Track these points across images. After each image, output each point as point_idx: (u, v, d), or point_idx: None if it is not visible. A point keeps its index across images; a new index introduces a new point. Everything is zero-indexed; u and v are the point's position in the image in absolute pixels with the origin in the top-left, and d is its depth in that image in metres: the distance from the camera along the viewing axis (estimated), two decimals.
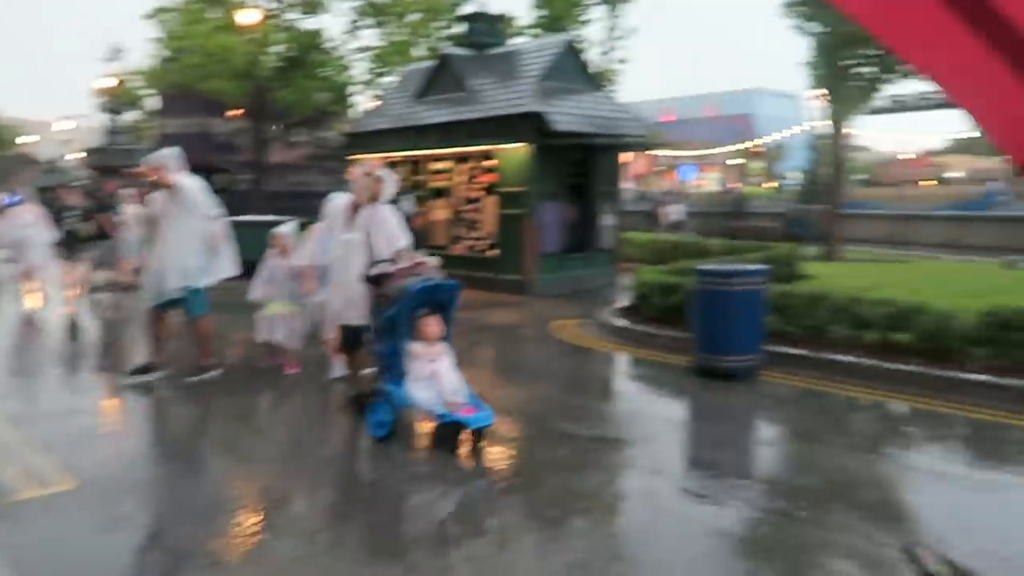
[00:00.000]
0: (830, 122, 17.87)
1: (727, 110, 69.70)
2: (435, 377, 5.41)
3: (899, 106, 55.32)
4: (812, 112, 30.44)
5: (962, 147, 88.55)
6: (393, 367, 5.51)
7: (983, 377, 6.94)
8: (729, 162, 59.23)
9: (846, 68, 20.56)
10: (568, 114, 13.15)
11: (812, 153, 39.10)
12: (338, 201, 6.68)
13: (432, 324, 5.47)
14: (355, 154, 15.57)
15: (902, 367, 7.35)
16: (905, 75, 21.71)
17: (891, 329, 7.74)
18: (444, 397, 5.39)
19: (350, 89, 24.34)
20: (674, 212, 26.84)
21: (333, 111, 25.33)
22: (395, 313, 5.36)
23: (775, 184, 52.89)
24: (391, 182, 6.29)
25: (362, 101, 24.48)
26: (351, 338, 6.28)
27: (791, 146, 55.83)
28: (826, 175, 21.87)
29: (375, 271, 5.68)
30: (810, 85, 18.17)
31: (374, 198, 6.20)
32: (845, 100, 18.71)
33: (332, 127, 26.37)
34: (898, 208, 23.80)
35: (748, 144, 56.46)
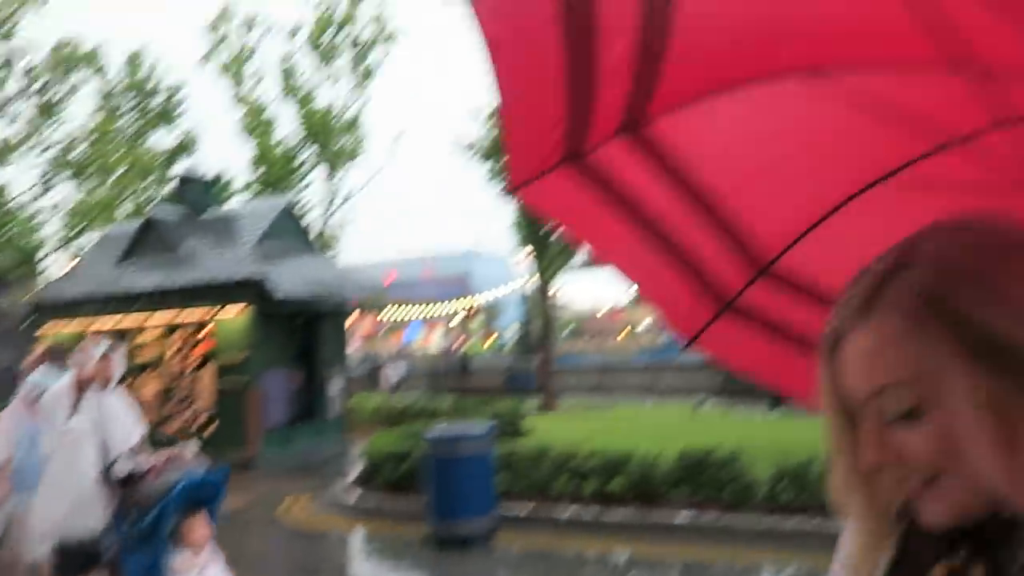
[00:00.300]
0: (537, 280, 19.55)
1: (446, 270, 73.63)
2: None
3: (594, 263, 62.36)
4: (521, 271, 33.33)
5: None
6: None
7: (686, 513, 7.67)
8: (451, 322, 61.94)
9: (546, 229, 23.06)
10: (289, 279, 13.01)
11: (524, 310, 42.29)
12: (58, 386, 5.78)
13: (200, 526, 4.71)
14: (45, 325, 13.87)
15: (618, 515, 7.89)
16: None
17: (606, 478, 8.33)
18: None
19: (40, 251, 22.01)
20: (394, 373, 27.00)
21: (17, 276, 22.59)
22: (156, 519, 4.57)
23: (493, 340, 56.06)
24: (121, 360, 5.60)
25: (55, 265, 22.21)
26: (76, 558, 5.19)
27: (506, 303, 60.08)
28: (537, 330, 23.72)
29: (122, 469, 4.89)
30: (518, 245, 19.88)
31: (105, 380, 5.43)
32: (547, 259, 20.76)
33: (15, 294, 23.40)
34: (601, 359, 26.41)
35: (467, 302, 59.75)
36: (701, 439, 8.82)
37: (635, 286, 1.49)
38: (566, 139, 1.15)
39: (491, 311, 62.06)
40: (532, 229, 19.19)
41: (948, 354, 0.69)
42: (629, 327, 55.25)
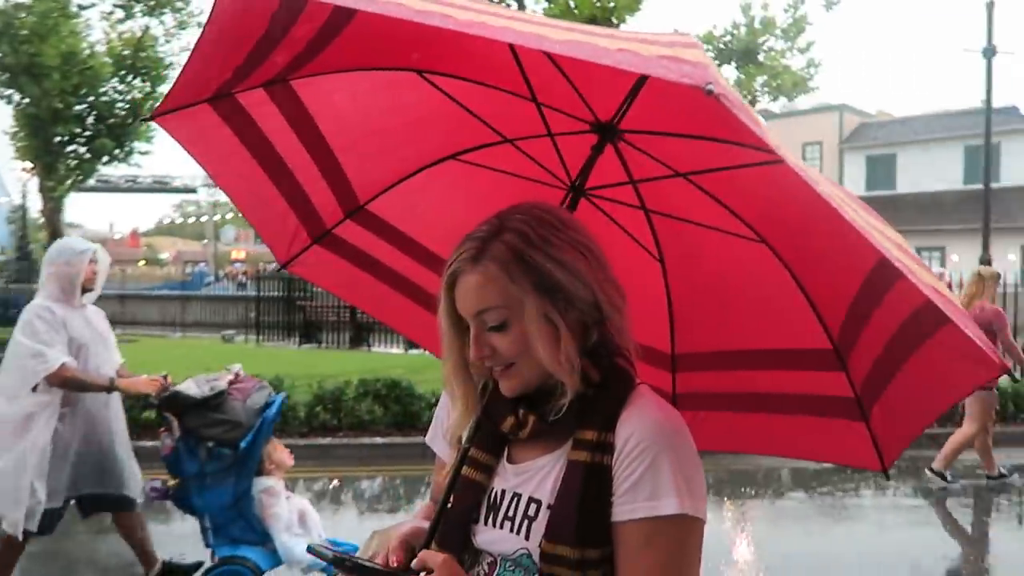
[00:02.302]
0: (40, 197, 17.03)
1: None
2: (306, 517, 4.01)
3: (109, 187, 55.98)
4: (16, 185, 28.23)
5: (168, 230, 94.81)
6: (230, 524, 3.90)
7: None
8: None
9: (58, 143, 20.06)
10: None
11: (17, 228, 36.13)
12: (40, 299, 4.00)
13: (281, 449, 4.17)
14: None
15: (152, 443, 7.65)
16: (115, 158, 22.49)
17: (140, 409, 7.96)
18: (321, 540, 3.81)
19: None
20: None
21: None
22: (251, 444, 3.93)
23: None
24: (106, 265, 4.24)
25: None
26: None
27: None
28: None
29: (195, 394, 3.83)
30: (15, 156, 17.01)
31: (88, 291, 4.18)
32: (56, 175, 18.19)
33: None
34: (118, 288, 24.15)
35: None
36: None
37: (245, 212, 1.74)
38: (223, 81, 1.36)
39: None
40: (41, 139, 16.58)
41: (525, 289, 1.15)
42: (149, 258, 51.18)
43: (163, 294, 24.92)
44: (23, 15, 15.53)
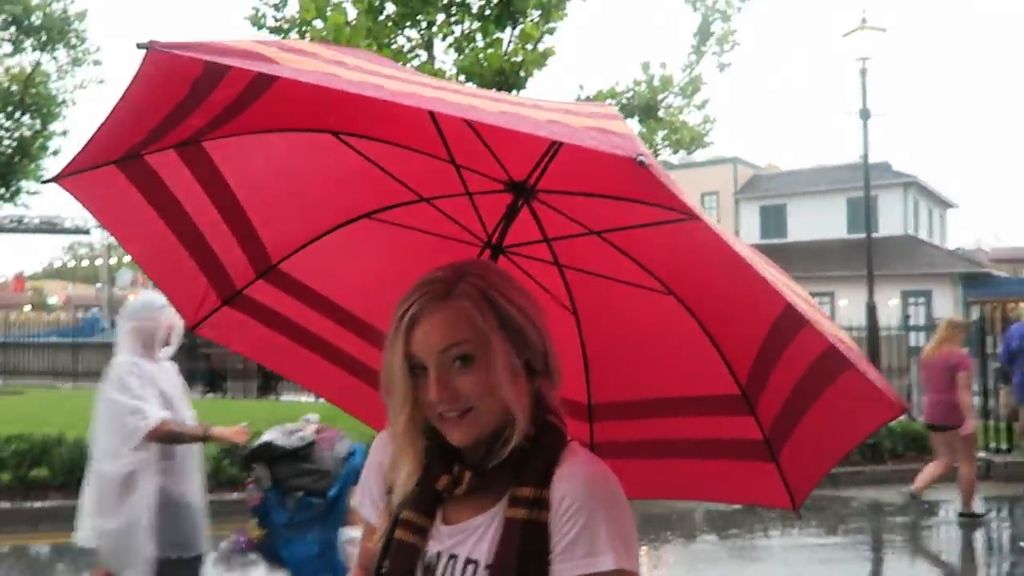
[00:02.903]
0: None
1: None
2: None
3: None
4: None
5: (57, 273, 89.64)
6: (317, 575, 3.90)
7: None
8: None
9: None
10: None
11: None
12: (127, 354, 4.08)
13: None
14: None
15: (42, 503, 7.20)
16: (0, 198, 21.25)
17: (29, 466, 7.49)
18: None
19: None
20: None
21: None
22: (338, 494, 3.96)
23: None
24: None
25: None
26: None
27: None
28: None
29: (286, 445, 3.90)
30: None
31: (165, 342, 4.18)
32: None
33: None
34: (2, 335, 22.63)
35: None
36: None
37: (152, 275, 1.68)
38: (134, 144, 1.34)
39: None
40: None
41: (492, 327, 1.17)
42: (35, 303, 48.24)
43: (52, 341, 23.50)
44: None
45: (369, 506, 1.38)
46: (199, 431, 3.86)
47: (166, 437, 3.77)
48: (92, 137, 1.28)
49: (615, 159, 0.87)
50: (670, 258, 1.47)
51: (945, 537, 7.58)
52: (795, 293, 1.20)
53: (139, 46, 1.03)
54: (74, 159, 1.34)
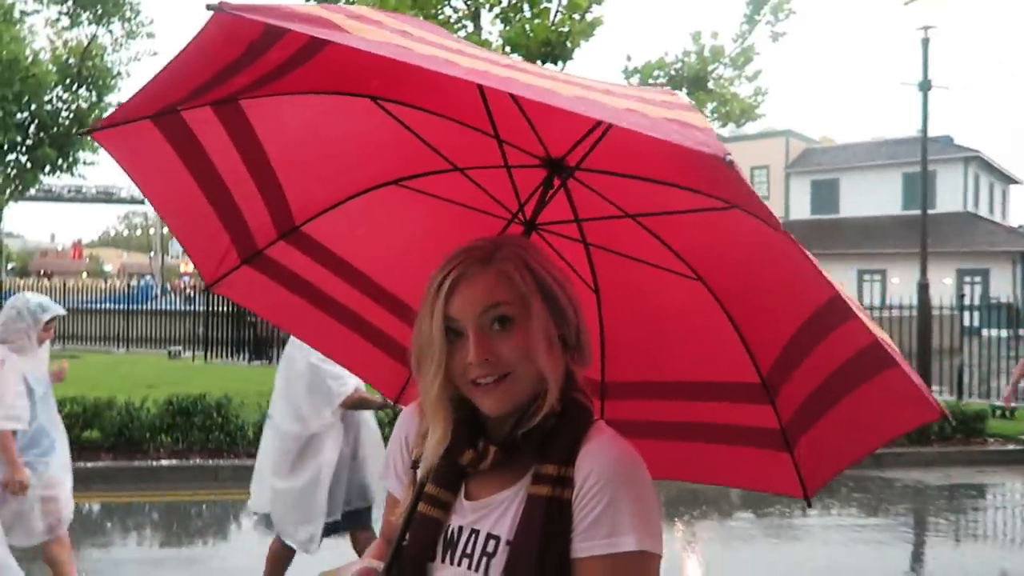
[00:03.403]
0: None
1: None
2: None
3: (51, 196, 54.43)
4: None
5: (113, 242, 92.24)
6: None
7: (169, 462, 7.64)
8: None
9: None
10: None
11: None
12: None
13: None
14: None
15: (95, 464, 7.45)
16: (58, 168, 21.89)
17: (80, 428, 7.75)
18: None
19: None
20: None
21: None
22: None
23: None
24: None
25: None
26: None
27: None
28: None
29: None
30: None
31: None
32: None
33: None
34: (59, 301, 23.40)
35: None
36: (184, 387, 8.79)
37: (175, 229, 1.66)
38: (173, 100, 1.33)
39: None
40: None
41: (533, 292, 1.17)
42: (92, 270, 49.70)
43: (106, 308, 24.23)
44: None
45: (393, 480, 1.38)
46: (381, 400, 4.12)
47: (357, 403, 4.08)
48: (135, 95, 1.28)
49: (655, 142, 0.82)
50: (704, 244, 1.43)
51: (991, 522, 7.39)
52: (843, 291, 1.16)
53: (208, 7, 1.00)
54: (112, 113, 1.37)
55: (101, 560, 5.64)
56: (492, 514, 1.19)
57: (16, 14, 16.63)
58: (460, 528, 1.21)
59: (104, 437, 7.79)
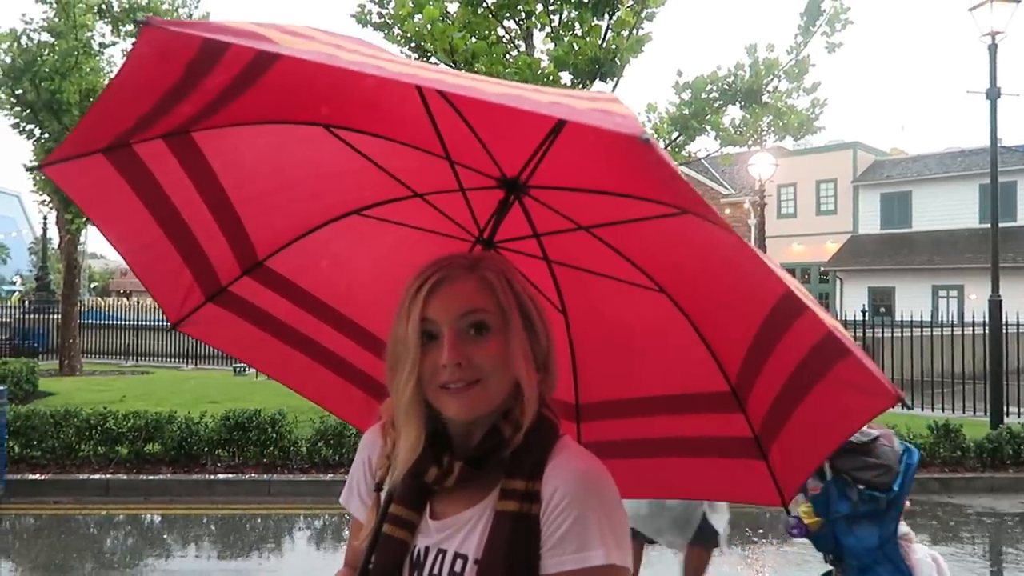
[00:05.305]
0: (57, 229, 17.18)
1: None
2: (940, 565, 4.00)
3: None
4: (38, 215, 28.59)
5: None
6: (877, 566, 4.05)
7: (225, 476, 7.85)
8: None
9: None
10: None
11: (39, 258, 36.64)
12: None
13: None
14: None
15: (156, 477, 7.71)
16: None
17: (143, 441, 8.04)
18: None
19: None
20: None
21: None
22: (900, 489, 4.06)
23: None
24: None
25: None
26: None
27: (14, 249, 51.22)
28: (57, 283, 20.91)
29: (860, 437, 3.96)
30: (33, 189, 17.21)
31: None
32: (73, 208, 18.31)
33: None
34: (135, 319, 24.39)
35: None
36: (244, 403, 9.02)
37: (136, 268, 1.58)
38: (122, 131, 1.28)
39: None
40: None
41: (512, 306, 1.19)
42: None
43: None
44: (46, 53, 15.90)
45: (356, 502, 1.36)
46: None
47: None
48: (81, 123, 1.23)
49: (610, 150, 0.82)
50: (662, 254, 1.41)
51: None
52: (792, 284, 1.13)
53: (137, 22, 0.99)
54: (62, 146, 1.28)
55: (156, 570, 5.81)
56: (459, 533, 1.18)
57: (95, 46, 17.49)
58: (427, 548, 1.20)
59: (165, 451, 8.05)
